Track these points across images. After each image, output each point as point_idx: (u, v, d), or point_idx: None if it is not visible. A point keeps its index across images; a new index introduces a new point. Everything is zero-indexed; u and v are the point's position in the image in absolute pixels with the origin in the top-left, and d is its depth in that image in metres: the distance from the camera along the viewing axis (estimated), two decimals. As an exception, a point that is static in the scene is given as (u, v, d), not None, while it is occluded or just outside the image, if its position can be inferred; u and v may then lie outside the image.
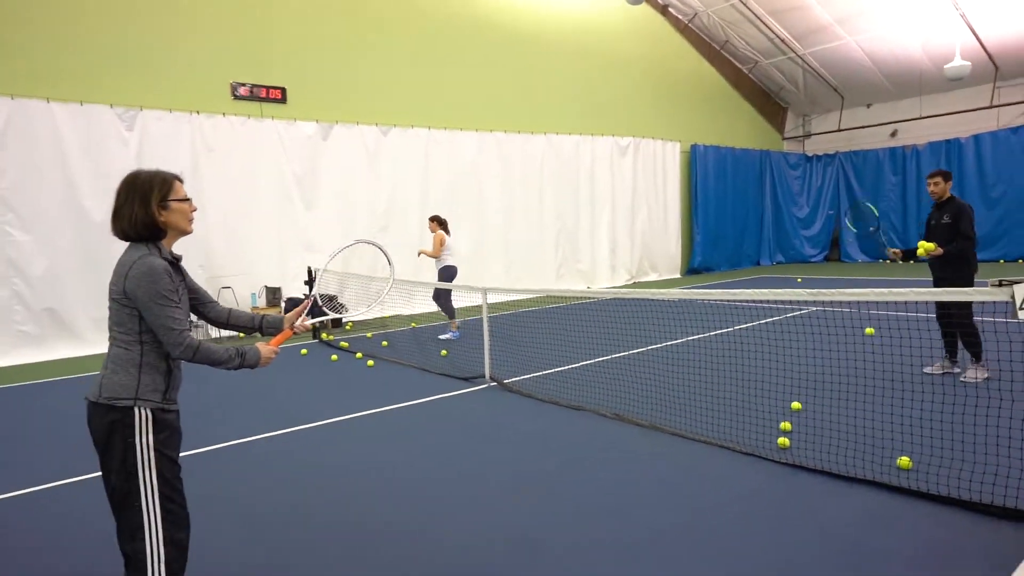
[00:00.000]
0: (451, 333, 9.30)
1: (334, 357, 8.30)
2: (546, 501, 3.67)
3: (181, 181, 2.43)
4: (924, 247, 5.45)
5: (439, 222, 9.39)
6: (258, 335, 2.81)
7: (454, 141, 13.17)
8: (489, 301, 6.84)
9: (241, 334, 9.04)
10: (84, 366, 8.27)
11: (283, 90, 11.10)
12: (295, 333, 2.69)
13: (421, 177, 12.72)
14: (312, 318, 2.73)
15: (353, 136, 11.84)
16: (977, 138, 16.89)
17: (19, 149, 8.63)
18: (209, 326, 7.56)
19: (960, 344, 5.83)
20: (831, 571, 2.81)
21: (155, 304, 2.20)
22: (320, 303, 3.04)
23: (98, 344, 9.25)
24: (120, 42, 9.56)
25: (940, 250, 5.47)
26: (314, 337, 9.89)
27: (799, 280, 14.59)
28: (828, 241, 19.89)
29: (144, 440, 2.23)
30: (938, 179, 5.79)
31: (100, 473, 2.28)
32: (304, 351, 8.80)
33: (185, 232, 2.43)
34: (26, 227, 8.69)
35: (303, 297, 10.38)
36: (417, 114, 12.74)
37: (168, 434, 2.30)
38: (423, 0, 12.84)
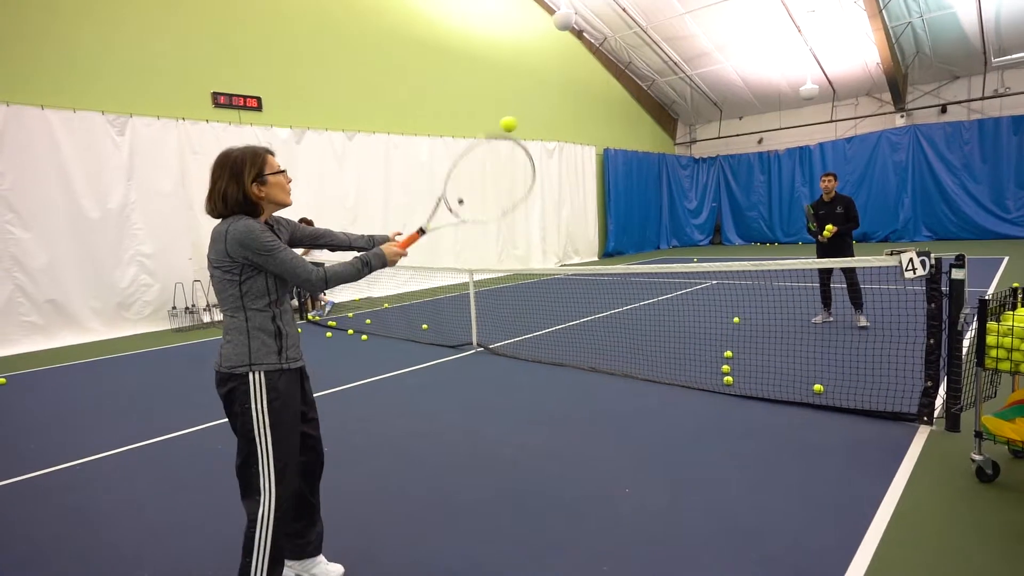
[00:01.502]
0: (328, 304, 10.16)
1: (328, 335, 8.34)
2: (557, 430, 4.09)
3: (272, 154, 2.19)
4: (829, 230, 6.36)
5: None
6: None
7: (410, 144, 13.20)
8: (475, 279, 7.14)
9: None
10: (88, 352, 7.89)
11: (259, 99, 10.76)
12: (422, 234, 2.47)
13: (383, 175, 12.71)
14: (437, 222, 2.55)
15: (323, 140, 11.66)
16: (822, 145, 18.64)
17: (17, 153, 8.01)
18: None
19: (832, 297, 6.78)
20: (785, 457, 3.42)
21: (268, 255, 2.04)
22: (448, 206, 2.69)
23: (99, 332, 8.80)
24: (109, 54, 8.98)
25: (837, 228, 6.40)
26: (300, 318, 9.83)
27: (695, 259, 15.73)
28: (712, 228, 21.33)
29: (259, 406, 2.09)
30: (831, 178, 6.64)
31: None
32: (299, 329, 8.75)
33: (284, 204, 2.19)
34: (26, 225, 8.10)
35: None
36: (378, 121, 12.69)
37: (282, 400, 2.13)
38: (384, 21, 12.76)
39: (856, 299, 6.46)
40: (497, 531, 2.83)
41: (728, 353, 5.70)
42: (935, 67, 16.38)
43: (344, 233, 2.58)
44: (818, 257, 6.68)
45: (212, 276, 2.12)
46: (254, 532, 2.09)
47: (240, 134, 10.42)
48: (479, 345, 6.81)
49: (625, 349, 6.15)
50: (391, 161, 12.82)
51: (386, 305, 10.88)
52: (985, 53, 15.35)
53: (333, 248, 2.58)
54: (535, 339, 7.07)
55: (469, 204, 2.81)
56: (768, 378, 4.87)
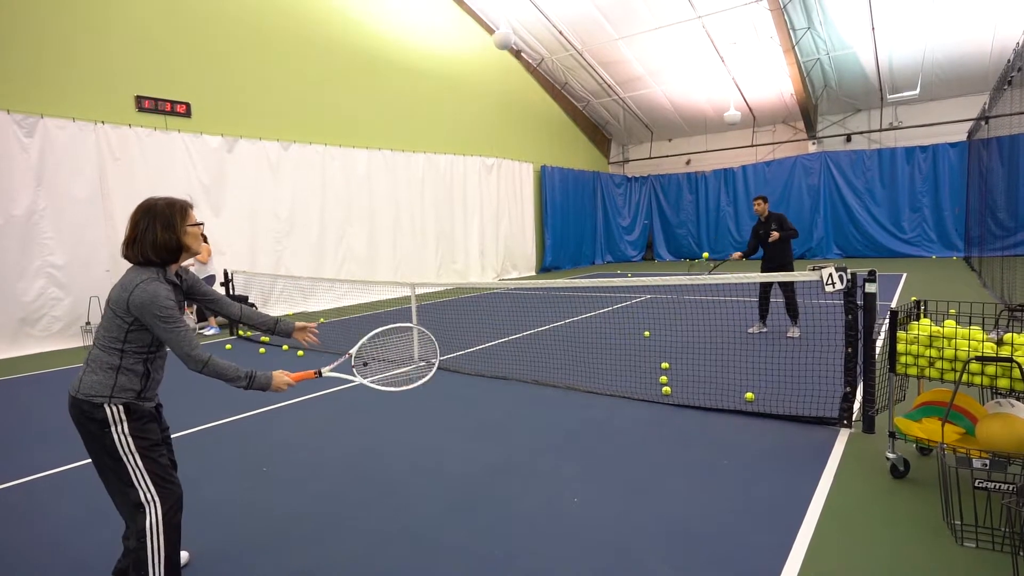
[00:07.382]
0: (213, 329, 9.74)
1: (262, 350, 8.00)
2: (504, 443, 4.12)
3: (192, 207, 2.34)
4: (772, 235, 6.81)
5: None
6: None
7: (348, 157, 12.97)
8: (416, 292, 7.07)
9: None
10: (-10, 372, 7.19)
11: (188, 105, 10.27)
12: (317, 376, 2.56)
13: (319, 188, 12.40)
14: (339, 372, 2.69)
15: (257, 150, 11.26)
16: (744, 168, 19.85)
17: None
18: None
19: (769, 310, 7.21)
20: (724, 462, 3.59)
21: (161, 324, 2.13)
22: (352, 363, 2.88)
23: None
24: (19, 49, 8.32)
25: (777, 235, 6.83)
26: (231, 333, 9.38)
27: (629, 275, 16.26)
28: (644, 244, 22.15)
29: (120, 429, 2.16)
30: (760, 201, 7.11)
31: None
32: (228, 346, 8.35)
33: (196, 253, 2.34)
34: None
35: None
36: (315, 132, 12.40)
37: (144, 421, 2.22)
38: (324, 32, 12.52)
39: (792, 312, 6.92)
40: (449, 545, 2.81)
41: (665, 364, 5.93)
42: (840, 100, 17.88)
43: (243, 307, 2.64)
44: (762, 271, 7.09)
45: (105, 312, 2.19)
46: (145, 545, 2.14)
47: (167, 140, 9.90)
48: (421, 359, 6.73)
49: (567, 362, 6.27)
50: (328, 173, 12.54)
51: (322, 320, 10.56)
52: (881, 90, 16.93)
53: (223, 316, 2.63)
54: (478, 353, 7.08)
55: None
56: (703, 387, 5.11)
